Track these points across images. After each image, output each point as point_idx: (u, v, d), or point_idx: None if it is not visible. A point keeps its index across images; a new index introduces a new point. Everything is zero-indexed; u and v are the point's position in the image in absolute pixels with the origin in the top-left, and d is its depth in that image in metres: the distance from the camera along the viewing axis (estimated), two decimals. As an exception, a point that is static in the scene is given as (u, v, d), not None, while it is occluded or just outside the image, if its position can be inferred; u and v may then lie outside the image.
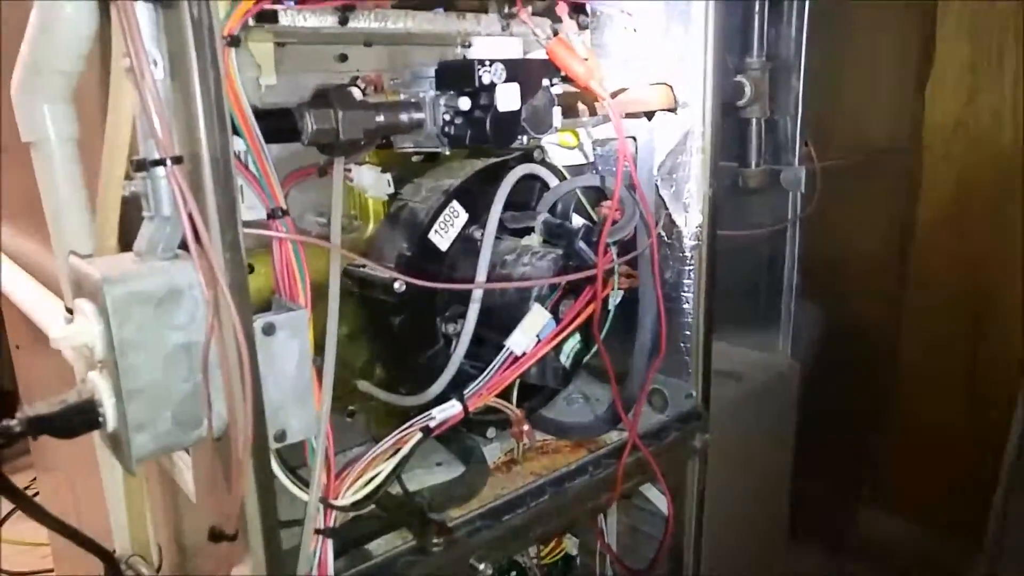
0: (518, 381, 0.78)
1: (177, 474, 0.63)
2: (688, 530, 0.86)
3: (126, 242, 0.55)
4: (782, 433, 0.97)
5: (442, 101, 0.66)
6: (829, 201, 0.93)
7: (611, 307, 0.77)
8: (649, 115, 0.80)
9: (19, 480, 1.69)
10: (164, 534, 0.69)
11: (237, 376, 0.50)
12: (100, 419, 0.50)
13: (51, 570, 1.36)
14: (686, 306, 0.83)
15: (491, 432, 0.79)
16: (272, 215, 0.56)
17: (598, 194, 0.79)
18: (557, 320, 0.70)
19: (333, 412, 0.75)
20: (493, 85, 0.64)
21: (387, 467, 0.61)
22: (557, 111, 0.69)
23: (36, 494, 1.66)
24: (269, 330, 0.54)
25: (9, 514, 1.65)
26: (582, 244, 0.70)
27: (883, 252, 1.34)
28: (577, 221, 0.77)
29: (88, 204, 0.59)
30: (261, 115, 0.53)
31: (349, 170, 0.69)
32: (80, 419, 0.49)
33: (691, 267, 0.82)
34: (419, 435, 0.63)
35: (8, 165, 0.81)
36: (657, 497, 0.91)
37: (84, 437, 0.80)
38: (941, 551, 1.42)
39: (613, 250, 0.73)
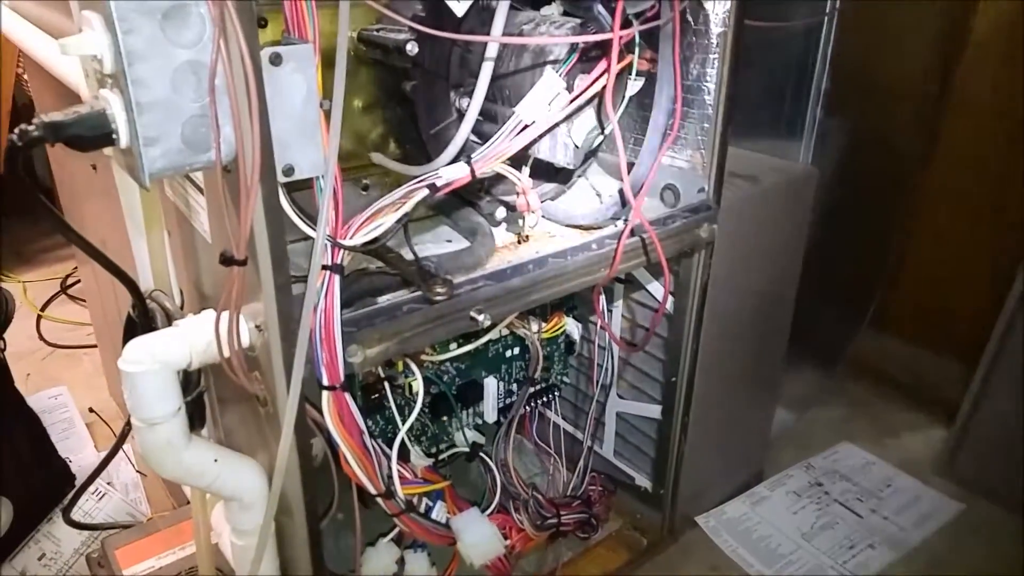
0: (530, 162, 0.78)
1: (194, 217, 0.66)
2: (688, 321, 0.89)
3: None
4: (793, 239, 0.97)
5: None
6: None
7: (627, 92, 0.76)
8: None
9: (61, 269, 1.80)
10: (185, 279, 0.73)
11: (244, 102, 0.51)
12: (114, 136, 0.52)
13: (94, 345, 1.47)
14: (707, 97, 0.81)
15: (500, 213, 0.81)
16: (279, -54, 0.55)
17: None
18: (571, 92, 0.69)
19: (347, 184, 0.77)
20: None
21: (393, 217, 0.63)
22: None
23: (77, 282, 1.78)
24: (276, 60, 0.54)
25: (54, 296, 1.78)
26: (601, 9, 0.68)
27: (925, 64, 1.27)
28: (599, -7, 0.73)
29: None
30: None
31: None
32: (94, 131, 0.51)
33: (715, 55, 0.79)
34: (425, 191, 0.65)
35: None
36: (660, 293, 0.93)
37: (111, 206, 0.84)
38: (937, 373, 1.46)
39: (635, 22, 0.70)
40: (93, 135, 0.51)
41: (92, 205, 1.03)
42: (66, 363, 1.58)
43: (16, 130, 0.50)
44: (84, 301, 1.67)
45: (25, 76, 1.71)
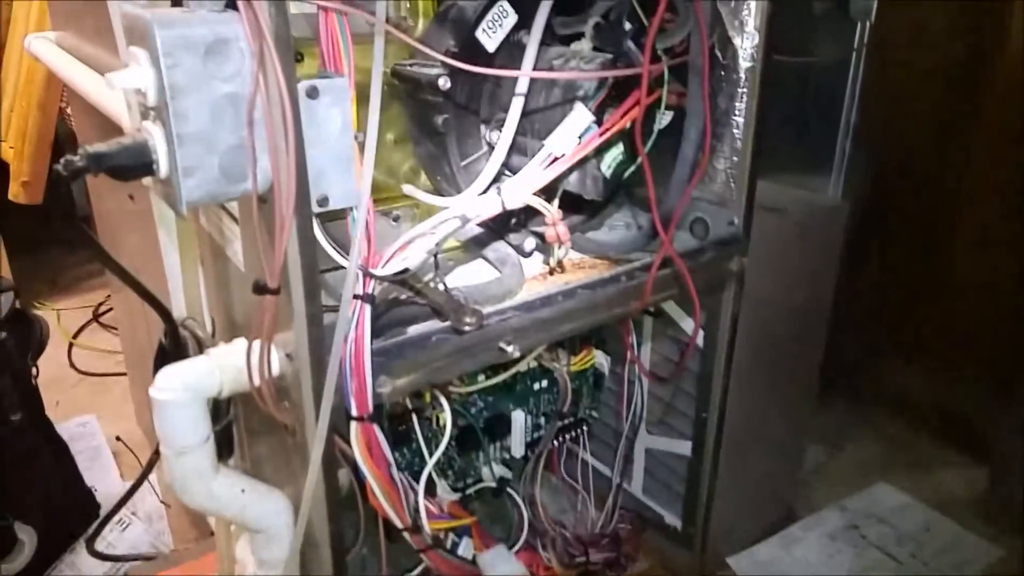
0: (560, 194, 0.79)
1: (228, 246, 0.67)
2: (719, 355, 0.88)
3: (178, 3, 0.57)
4: (823, 272, 0.96)
5: None
6: (901, 31, 0.87)
7: (656, 126, 0.76)
8: (714, -79, 0.75)
9: (93, 298, 1.84)
10: (217, 308, 0.74)
11: (281, 133, 0.52)
12: (154, 166, 0.53)
13: (124, 373, 1.48)
14: (736, 131, 0.81)
15: (529, 244, 0.81)
16: (318, -15, 0.56)
17: (655, 5, 0.76)
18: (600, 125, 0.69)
19: (378, 215, 0.78)
20: None
21: (424, 247, 0.63)
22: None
23: (110, 310, 1.81)
24: (312, 93, 0.55)
25: (86, 324, 1.81)
26: (631, 45, 0.68)
27: (954, 92, 1.26)
28: (629, 29, 0.74)
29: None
30: None
31: (397, -51, 0.68)
32: (135, 161, 0.52)
33: (744, 90, 0.80)
34: (457, 222, 0.65)
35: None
36: (690, 326, 0.92)
37: (147, 235, 0.85)
38: (971, 407, 1.42)
39: (664, 58, 0.71)
40: (134, 165, 0.52)
41: (128, 234, 1.06)
42: (96, 391, 1.60)
43: (62, 160, 0.51)
44: (116, 329, 1.69)
45: (68, 110, 1.76)
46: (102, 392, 1.59)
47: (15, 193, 1.86)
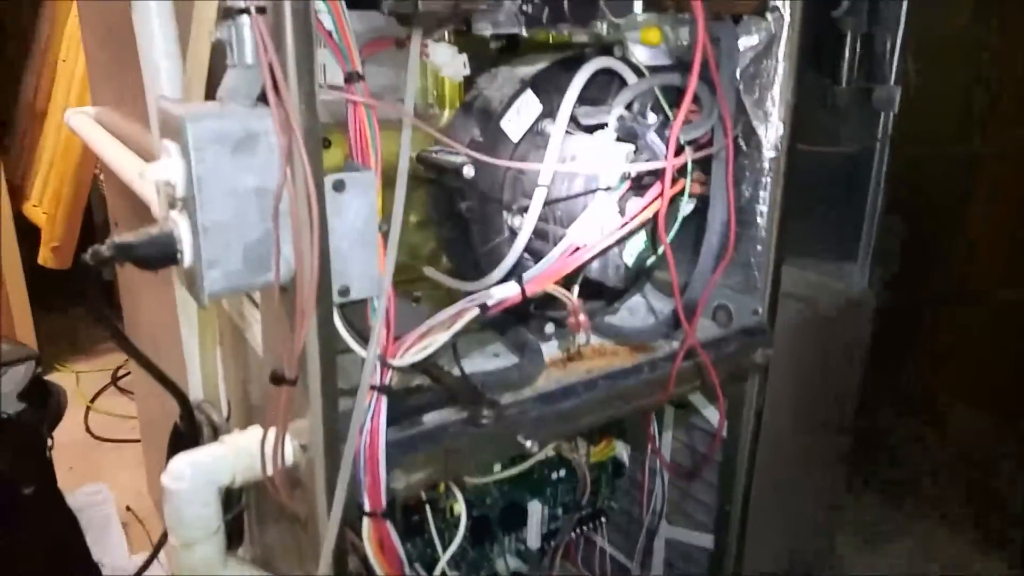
0: (580, 280, 0.78)
1: (247, 329, 0.67)
2: (743, 448, 0.85)
3: (212, 98, 0.58)
4: (851, 362, 0.93)
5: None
6: (926, 123, 0.87)
7: (680, 214, 0.76)
8: (736, 18, 0.77)
9: (114, 360, 1.84)
10: (233, 390, 0.73)
11: (306, 226, 0.53)
12: (178, 255, 0.53)
13: (138, 440, 1.47)
14: (760, 219, 0.80)
15: (549, 328, 0.80)
16: (349, 79, 0.58)
17: (678, 95, 0.77)
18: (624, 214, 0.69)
19: (399, 296, 0.78)
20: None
21: (443, 337, 0.63)
22: (639, -2, 0.67)
23: (128, 374, 1.81)
24: (339, 187, 0.55)
25: (104, 388, 1.81)
26: (655, 137, 0.69)
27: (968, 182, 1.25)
28: (653, 119, 0.75)
29: (181, 60, 0.62)
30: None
31: (426, 45, 0.70)
32: (160, 251, 0.52)
33: (768, 178, 0.79)
34: (476, 310, 0.64)
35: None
36: (715, 417, 0.90)
37: (168, 308, 0.86)
38: (1010, 508, 1.36)
39: (688, 150, 0.71)
40: (159, 255, 0.53)
41: (149, 306, 1.07)
42: (110, 456, 1.59)
43: (89, 251, 0.52)
44: (133, 393, 1.70)
45: (101, 176, 1.83)
46: (116, 458, 1.58)
47: (45, 258, 1.91)
